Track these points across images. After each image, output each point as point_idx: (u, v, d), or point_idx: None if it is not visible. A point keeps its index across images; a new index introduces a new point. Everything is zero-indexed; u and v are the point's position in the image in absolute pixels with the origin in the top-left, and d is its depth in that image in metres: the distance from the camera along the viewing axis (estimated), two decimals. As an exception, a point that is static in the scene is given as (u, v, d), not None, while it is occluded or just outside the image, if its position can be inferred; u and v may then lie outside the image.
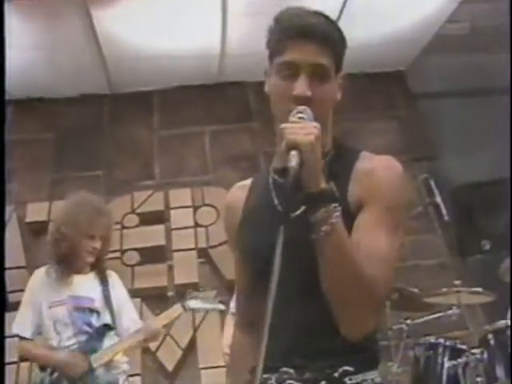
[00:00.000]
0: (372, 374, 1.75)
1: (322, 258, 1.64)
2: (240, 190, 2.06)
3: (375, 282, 1.64)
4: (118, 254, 5.85)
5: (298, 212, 1.71)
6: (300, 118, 1.67)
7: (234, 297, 2.67)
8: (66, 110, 6.72)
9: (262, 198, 1.93)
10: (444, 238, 6.18)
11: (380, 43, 6.42)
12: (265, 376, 1.71)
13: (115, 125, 6.81)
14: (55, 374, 3.84)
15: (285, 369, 1.74)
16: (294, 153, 1.56)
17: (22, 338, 3.98)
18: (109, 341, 4.02)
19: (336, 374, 1.70)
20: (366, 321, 1.72)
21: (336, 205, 1.61)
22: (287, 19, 1.83)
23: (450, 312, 4.64)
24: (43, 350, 3.98)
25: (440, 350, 4.03)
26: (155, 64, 6.35)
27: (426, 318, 4.66)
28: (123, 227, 6.14)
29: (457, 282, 4.66)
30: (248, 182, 2.08)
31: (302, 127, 1.62)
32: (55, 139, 6.70)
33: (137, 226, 6.29)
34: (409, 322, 4.68)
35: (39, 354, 3.99)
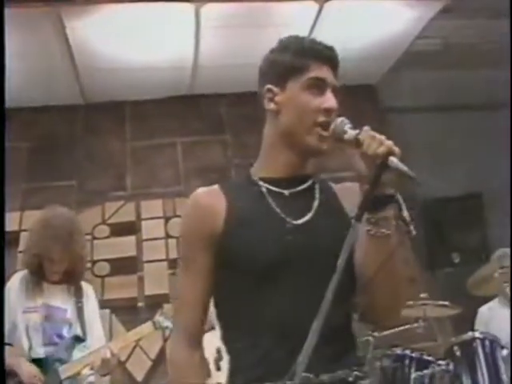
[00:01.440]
0: (367, 381, 1.89)
1: (382, 252, 1.80)
2: (214, 195, 2.00)
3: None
4: (88, 265, 5.82)
5: (304, 219, 1.92)
6: (350, 127, 1.85)
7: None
8: (39, 119, 6.69)
9: (253, 206, 1.96)
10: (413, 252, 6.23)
11: (350, 58, 6.45)
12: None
13: (88, 135, 6.79)
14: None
15: (304, 374, 1.71)
16: (395, 159, 1.68)
17: None
18: (78, 353, 4.01)
19: (350, 379, 1.82)
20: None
21: None
22: (302, 43, 2.02)
23: (415, 325, 4.70)
24: (14, 356, 3.94)
25: (407, 361, 4.06)
26: (128, 75, 6.36)
27: (392, 331, 4.71)
28: (94, 238, 6.13)
29: (423, 295, 4.72)
30: (214, 188, 2.04)
31: (383, 137, 1.74)
32: (28, 149, 6.67)
33: (108, 236, 6.28)
34: (376, 334, 4.72)
35: (10, 360, 3.95)
